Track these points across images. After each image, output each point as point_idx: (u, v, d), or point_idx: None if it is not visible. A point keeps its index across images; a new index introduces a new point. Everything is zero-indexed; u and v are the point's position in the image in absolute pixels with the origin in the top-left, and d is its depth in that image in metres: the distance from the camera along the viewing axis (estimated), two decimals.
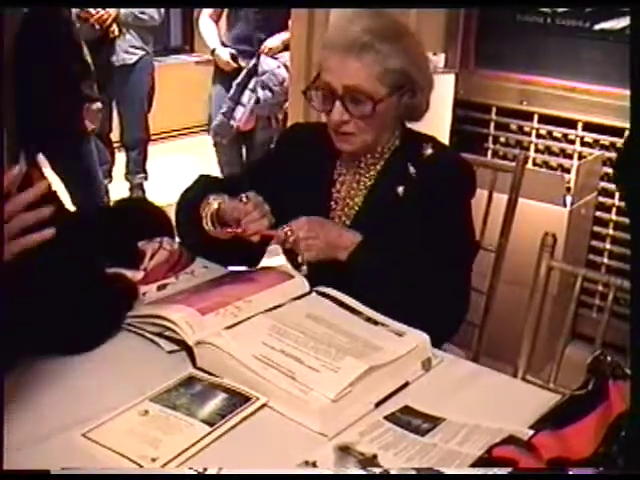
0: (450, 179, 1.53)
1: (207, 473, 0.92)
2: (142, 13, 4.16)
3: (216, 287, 1.45)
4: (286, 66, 3.70)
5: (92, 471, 0.92)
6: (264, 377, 1.14)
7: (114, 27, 4.05)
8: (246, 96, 3.95)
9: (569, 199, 2.63)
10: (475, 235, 1.65)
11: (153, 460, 0.98)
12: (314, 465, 0.96)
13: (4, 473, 0.89)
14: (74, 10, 3.42)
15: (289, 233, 1.45)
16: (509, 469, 0.90)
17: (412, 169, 1.54)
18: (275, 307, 1.36)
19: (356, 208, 1.59)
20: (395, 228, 1.50)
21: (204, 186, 1.59)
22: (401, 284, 1.41)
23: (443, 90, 3.00)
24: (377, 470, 0.94)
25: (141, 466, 0.97)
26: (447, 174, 1.54)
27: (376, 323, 1.34)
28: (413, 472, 0.93)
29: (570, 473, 0.90)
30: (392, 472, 0.94)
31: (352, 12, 1.54)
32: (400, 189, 1.53)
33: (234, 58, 3.98)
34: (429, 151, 1.56)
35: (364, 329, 1.31)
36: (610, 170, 2.74)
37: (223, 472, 0.92)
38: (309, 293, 1.43)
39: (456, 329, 1.52)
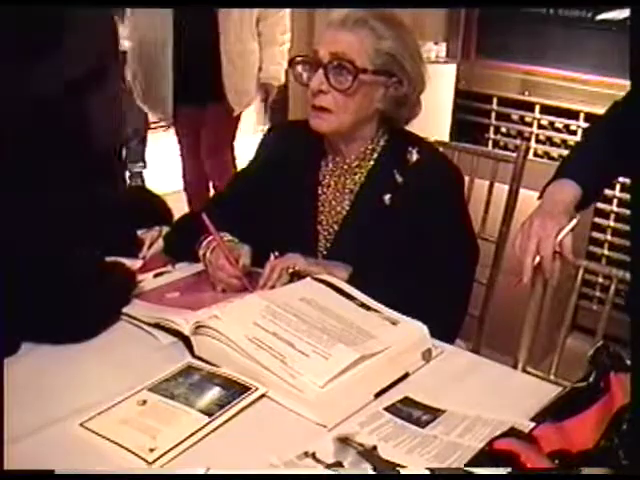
0: (438, 189, 1.50)
1: (205, 473, 0.90)
2: None
3: (205, 292, 1.48)
4: None
5: (94, 471, 0.91)
6: (256, 360, 1.13)
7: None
8: None
9: None
10: (475, 238, 1.62)
11: (151, 450, 0.97)
12: (313, 456, 0.95)
13: (7, 473, 0.89)
14: None
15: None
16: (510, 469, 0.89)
17: (399, 177, 1.51)
18: None
19: (343, 213, 1.56)
20: (383, 237, 1.49)
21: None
22: (396, 304, 1.35)
23: (444, 80, 3.00)
24: (369, 469, 0.94)
25: (139, 456, 0.96)
26: (435, 184, 1.50)
27: (370, 309, 1.33)
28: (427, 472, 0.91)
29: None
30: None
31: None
32: (387, 197, 1.51)
33: None
34: (415, 157, 1.52)
35: (358, 315, 1.30)
36: None
37: (224, 472, 0.90)
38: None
39: (454, 335, 1.51)
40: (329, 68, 1.44)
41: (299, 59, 1.52)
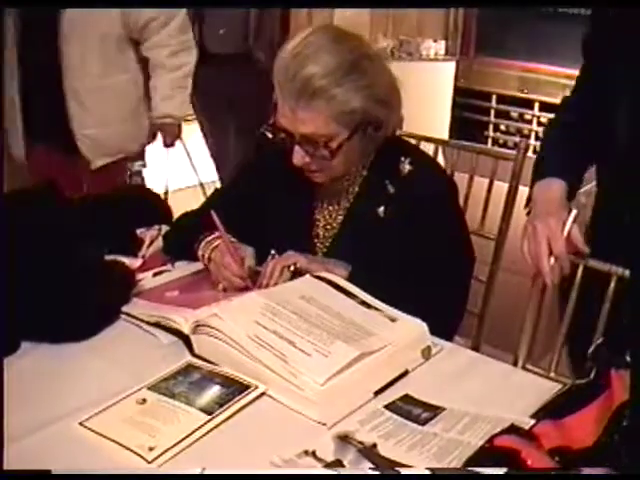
0: (431, 200, 1.48)
1: (203, 473, 0.90)
2: None
3: (204, 290, 1.48)
4: None
5: (93, 471, 0.91)
6: (257, 358, 1.13)
7: None
8: None
9: None
10: (471, 246, 1.59)
11: (150, 449, 0.97)
12: (314, 454, 0.95)
13: (4, 473, 0.89)
14: None
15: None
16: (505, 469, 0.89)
17: (391, 188, 1.50)
18: None
19: (338, 227, 1.56)
20: (378, 249, 1.47)
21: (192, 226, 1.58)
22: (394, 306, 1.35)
23: (443, 78, 2.99)
24: (368, 468, 0.94)
25: (139, 455, 0.96)
26: (427, 195, 1.48)
27: (370, 307, 1.33)
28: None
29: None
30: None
31: (306, 50, 1.38)
32: (380, 209, 1.50)
33: None
34: (407, 167, 1.50)
35: (357, 313, 1.30)
36: None
37: (224, 472, 0.90)
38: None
39: (452, 334, 1.51)
40: (304, 144, 1.42)
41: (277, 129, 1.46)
